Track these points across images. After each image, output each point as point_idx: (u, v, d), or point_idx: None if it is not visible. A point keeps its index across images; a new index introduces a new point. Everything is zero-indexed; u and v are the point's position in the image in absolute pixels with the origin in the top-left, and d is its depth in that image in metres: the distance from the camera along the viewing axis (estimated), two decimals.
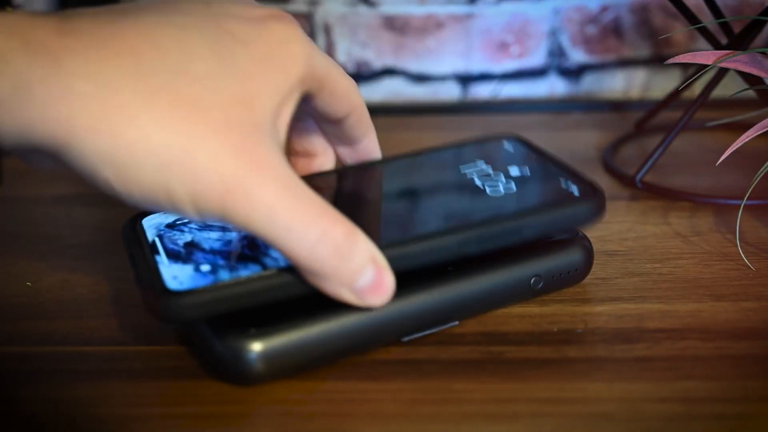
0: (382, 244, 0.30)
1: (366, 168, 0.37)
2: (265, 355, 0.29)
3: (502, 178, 0.35)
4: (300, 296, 0.29)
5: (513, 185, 0.35)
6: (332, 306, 0.30)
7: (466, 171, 0.36)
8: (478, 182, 0.35)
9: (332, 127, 0.35)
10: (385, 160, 0.37)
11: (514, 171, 0.36)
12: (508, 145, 0.39)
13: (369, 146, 0.37)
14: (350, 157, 0.37)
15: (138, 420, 0.28)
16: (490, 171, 0.36)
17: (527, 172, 0.36)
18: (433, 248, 0.31)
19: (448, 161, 0.37)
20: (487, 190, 0.34)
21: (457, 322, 0.33)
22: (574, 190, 0.34)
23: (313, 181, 0.36)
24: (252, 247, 0.31)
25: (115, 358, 0.31)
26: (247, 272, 0.29)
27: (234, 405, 0.29)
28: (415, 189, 0.36)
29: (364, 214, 0.33)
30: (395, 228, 0.32)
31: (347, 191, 0.35)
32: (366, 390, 0.29)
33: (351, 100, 0.34)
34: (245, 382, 0.29)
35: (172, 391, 0.29)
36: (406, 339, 0.32)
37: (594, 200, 0.33)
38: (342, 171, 0.37)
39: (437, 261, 0.31)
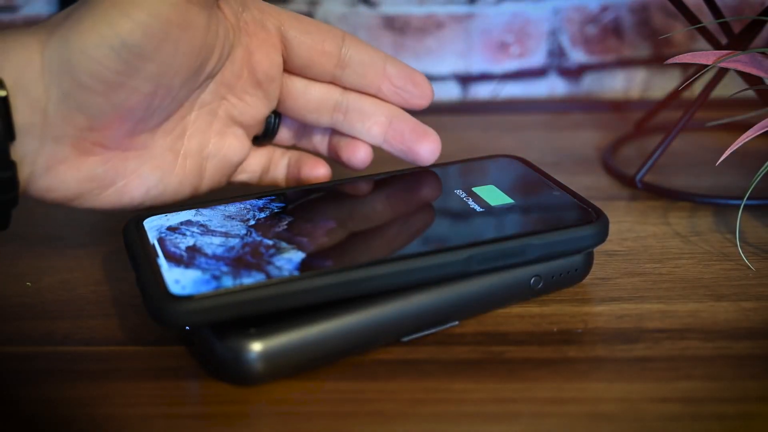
0: (387, 259, 0.30)
1: (365, 183, 0.37)
2: (265, 355, 0.29)
3: (504, 199, 0.35)
4: (303, 305, 0.29)
5: (515, 207, 0.35)
6: (332, 306, 0.30)
7: (469, 190, 0.36)
8: (480, 202, 0.35)
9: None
10: (386, 176, 0.38)
11: (517, 192, 0.36)
12: (510, 166, 0.39)
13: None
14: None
15: (138, 420, 0.28)
16: (492, 191, 0.36)
17: (529, 193, 0.36)
18: (433, 267, 0.31)
19: (451, 180, 0.37)
20: (489, 210, 0.34)
21: (457, 322, 0.33)
22: (578, 213, 0.34)
23: (320, 192, 0.36)
24: (255, 255, 0.31)
25: (115, 358, 0.31)
26: (250, 280, 0.29)
27: (234, 405, 0.29)
28: (415, 207, 0.36)
29: (365, 229, 0.34)
30: (399, 244, 0.32)
31: (350, 206, 0.35)
32: (366, 390, 0.29)
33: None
34: (245, 382, 0.29)
35: (172, 391, 0.29)
36: (406, 339, 0.32)
37: (597, 224, 0.33)
38: (345, 185, 0.37)
39: (437, 278, 0.31)
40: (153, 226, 0.32)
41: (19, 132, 0.30)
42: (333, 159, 0.39)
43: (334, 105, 0.37)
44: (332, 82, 0.37)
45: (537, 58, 0.61)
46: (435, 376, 0.30)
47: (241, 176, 0.38)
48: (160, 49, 0.31)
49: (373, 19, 0.60)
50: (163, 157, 0.34)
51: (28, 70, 0.30)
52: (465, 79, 0.62)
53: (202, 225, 0.33)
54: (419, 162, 0.38)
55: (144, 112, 0.32)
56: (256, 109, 0.36)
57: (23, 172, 0.31)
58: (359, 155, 0.38)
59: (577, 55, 0.61)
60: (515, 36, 0.61)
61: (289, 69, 0.37)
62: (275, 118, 0.38)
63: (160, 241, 0.31)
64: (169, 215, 0.33)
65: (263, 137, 0.38)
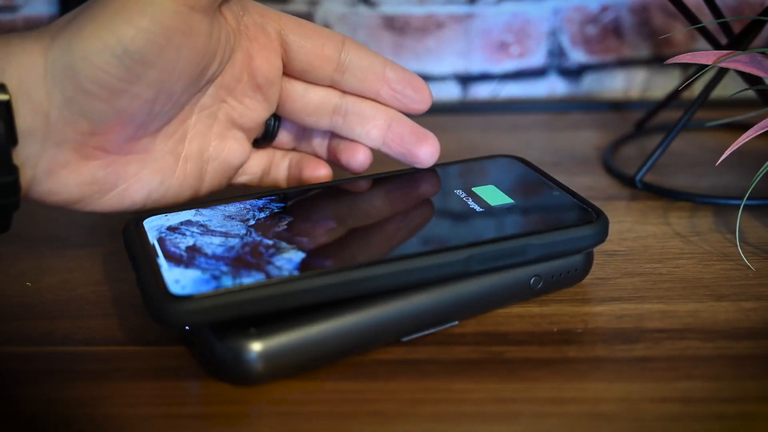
0: (387, 259, 0.30)
1: (365, 183, 0.37)
2: (265, 355, 0.29)
3: (504, 199, 0.35)
4: (303, 305, 0.29)
5: (515, 207, 0.35)
6: (332, 306, 0.30)
7: (469, 190, 0.36)
8: (480, 202, 0.35)
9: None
10: (386, 176, 0.38)
11: (517, 192, 0.36)
12: (510, 166, 0.39)
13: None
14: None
15: (138, 420, 0.28)
16: (492, 191, 0.36)
17: (529, 193, 0.36)
18: (433, 267, 0.31)
19: (451, 180, 0.37)
20: (489, 210, 0.34)
21: (457, 322, 0.33)
22: (578, 213, 0.34)
23: (319, 192, 0.36)
24: (255, 255, 0.31)
25: (115, 358, 0.31)
26: (250, 280, 0.29)
27: (234, 405, 0.29)
28: (415, 207, 0.36)
29: (365, 229, 0.34)
30: (399, 244, 0.32)
31: (350, 206, 0.35)
32: (366, 390, 0.29)
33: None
34: (245, 382, 0.29)
35: (172, 391, 0.29)
36: (406, 339, 0.32)
37: (597, 224, 0.33)
38: (345, 185, 0.37)
39: (437, 278, 0.31)
40: (153, 226, 0.32)
41: (22, 136, 0.30)
42: (332, 162, 0.39)
43: (333, 108, 0.38)
44: (331, 86, 0.37)
45: (537, 58, 0.61)
46: (435, 376, 0.30)
47: (242, 178, 0.38)
48: (163, 56, 0.31)
49: (373, 19, 0.60)
50: (163, 160, 0.34)
51: (31, 75, 0.30)
52: (465, 79, 0.62)
53: (202, 225, 0.33)
54: (418, 164, 0.38)
55: (145, 117, 0.32)
56: (256, 112, 0.36)
57: (25, 176, 0.31)
58: (359, 158, 0.38)
59: (577, 55, 0.61)
60: (515, 36, 0.61)
61: (288, 73, 0.37)
62: (275, 121, 0.38)
63: (160, 241, 0.31)
64: (169, 215, 0.33)
65: (263, 140, 0.39)
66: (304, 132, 0.39)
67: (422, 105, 0.38)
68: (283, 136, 0.39)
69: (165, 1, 0.30)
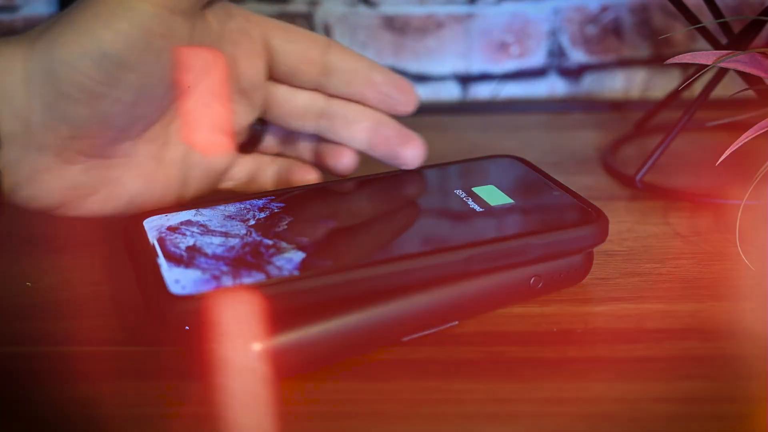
0: (387, 258, 0.30)
1: (365, 183, 0.37)
2: (266, 355, 0.29)
3: (504, 199, 0.35)
4: (304, 305, 0.29)
5: (515, 207, 0.35)
6: (332, 306, 0.30)
7: (469, 190, 0.36)
8: (480, 202, 0.35)
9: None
10: (386, 176, 0.38)
11: (516, 192, 0.36)
12: (510, 166, 0.39)
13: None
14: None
15: (138, 420, 0.28)
16: (492, 191, 0.36)
17: (529, 194, 0.36)
18: (433, 266, 0.31)
19: (451, 180, 0.37)
20: (489, 210, 0.34)
21: (457, 322, 0.33)
22: (578, 213, 0.34)
23: (319, 192, 0.36)
24: (255, 255, 0.31)
25: (115, 358, 0.31)
26: (250, 279, 0.29)
27: None
28: (415, 207, 0.36)
29: (364, 229, 0.34)
30: (399, 243, 0.32)
31: (350, 206, 0.35)
32: (366, 390, 0.29)
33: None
34: None
35: (172, 391, 0.29)
36: (406, 339, 0.32)
37: (597, 224, 0.33)
38: (345, 185, 0.37)
39: (437, 278, 0.31)
40: (153, 226, 0.32)
41: (3, 141, 0.30)
42: (318, 165, 0.39)
43: (319, 112, 0.37)
44: (317, 90, 0.37)
45: (537, 58, 0.61)
46: (435, 376, 0.30)
47: (228, 184, 0.38)
48: (142, 60, 0.31)
49: (373, 19, 0.60)
50: (146, 165, 0.34)
51: (12, 80, 0.30)
52: (465, 79, 0.62)
53: (202, 225, 0.33)
54: (404, 166, 0.38)
55: (126, 121, 0.32)
56: (241, 117, 0.36)
57: (7, 182, 0.31)
58: (344, 161, 0.38)
59: (577, 55, 0.61)
60: (515, 36, 0.61)
61: (274, 77, 0.37)
62: (260, 126, 0.38)
63: (160, 241, 0.31)
64: (169, 215, 0.33)
65: (248, 144, 0.38)
66: (290, 136, 0.39)
67: (408, 107, 0.38)
68: (269, 141, 0.39)
69: (144, 4, 0.30)
